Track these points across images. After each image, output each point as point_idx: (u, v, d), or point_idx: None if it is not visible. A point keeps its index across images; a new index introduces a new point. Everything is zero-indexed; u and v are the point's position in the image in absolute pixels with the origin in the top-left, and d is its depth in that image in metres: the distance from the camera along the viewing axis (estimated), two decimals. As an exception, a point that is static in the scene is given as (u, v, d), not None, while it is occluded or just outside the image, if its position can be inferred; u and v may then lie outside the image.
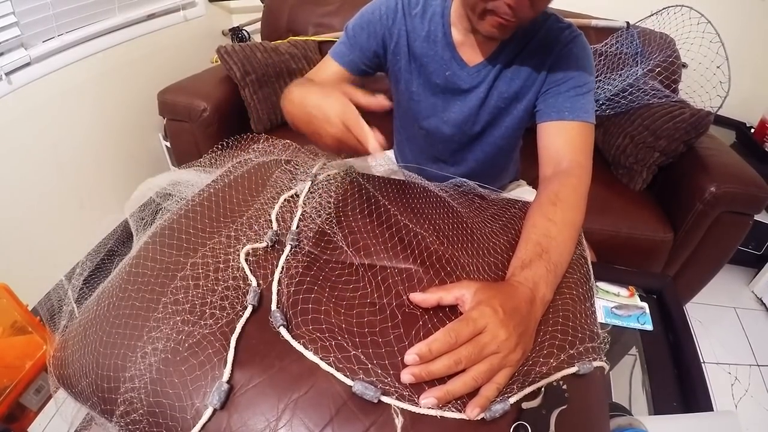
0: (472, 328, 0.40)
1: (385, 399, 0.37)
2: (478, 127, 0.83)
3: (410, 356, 0.39)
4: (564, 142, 0.69)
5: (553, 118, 0.70)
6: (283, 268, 0.49)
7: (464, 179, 0.69)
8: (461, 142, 0.86)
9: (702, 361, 1.40)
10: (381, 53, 0.80)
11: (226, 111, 1.49)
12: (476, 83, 0.78)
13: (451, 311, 0.45)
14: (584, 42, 0.73)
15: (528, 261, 0.50)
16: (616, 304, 0.84)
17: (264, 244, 0.53)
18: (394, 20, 0.77)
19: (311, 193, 0.62)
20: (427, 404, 0.37)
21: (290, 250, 0.52)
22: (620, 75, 1.47)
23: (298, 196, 0.62)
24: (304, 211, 0.58)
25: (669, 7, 1.50)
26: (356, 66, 0.81)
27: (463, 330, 0.40)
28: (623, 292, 0.87)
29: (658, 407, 0.69)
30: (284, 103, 0.67)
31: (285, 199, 0.60)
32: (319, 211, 0.57)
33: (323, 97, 0.55)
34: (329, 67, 0.82)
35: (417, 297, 0.45)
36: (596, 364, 0.45)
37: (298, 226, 0.55)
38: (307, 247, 0.52)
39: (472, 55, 0.76)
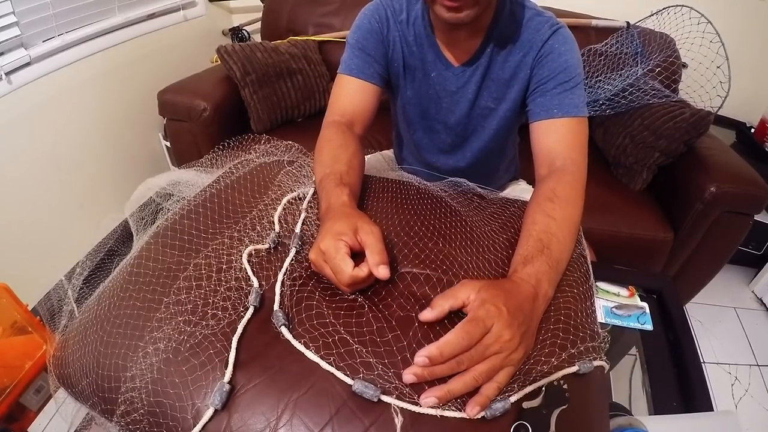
0: (481, 329, 0.39)
1: (384, 398, 0.38)
2: (470, 128, 0.83)
3: (420, 358, 0.38)
4: (555, 140, 0.68)
5: (542, 117, 0.70)
6: (286, 270, 0.49)
7: (463, 179, 0.69)
8: (454, 144, 0.87)
9: (702, 361, 1.40)
10: (386, 61, 0.79)
11: (226, 111, 1.49)
12: (463, 84, 0.77)
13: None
14: (566, 35, 0.72)
15: (529, 257, 0.50)
16: (616, 304, 0.84)
17: (266, 246, 0.53)
18: (388, 28, 0.77)
19: (314, 198, 0.62)
20: (427, 404, 0.37)
21: (294, 254, 0.52)
22: (620, 75, 1.47)
23: (301, 199, 0.62)
24: (308, 215, 0.58)
25: (669, 7, 1.50)
26: (377, 74, 0.77)
27: (475, 332, 0.39)
28: (623, 291, 0.87)
29: (658, 407, 0.69)
30: (315, 160, 0.66)
31: (288, 201, 0.61)
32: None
33: (332, 222, 0.49)
34: (349, 87, 0.76)
35: (428, 315, 0.43)
36: (596, 363, 0.45)
37: (301, 230, 0.56)
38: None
39: (456, 55, 0.76)
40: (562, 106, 0.69)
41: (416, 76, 0.79)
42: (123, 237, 0.71)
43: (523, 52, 0.73)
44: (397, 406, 0.37)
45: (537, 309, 0.45)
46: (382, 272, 0.45)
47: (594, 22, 1.57)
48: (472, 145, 0.86)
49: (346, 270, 0.44)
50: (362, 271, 0.44)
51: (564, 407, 0.39)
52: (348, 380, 0.38)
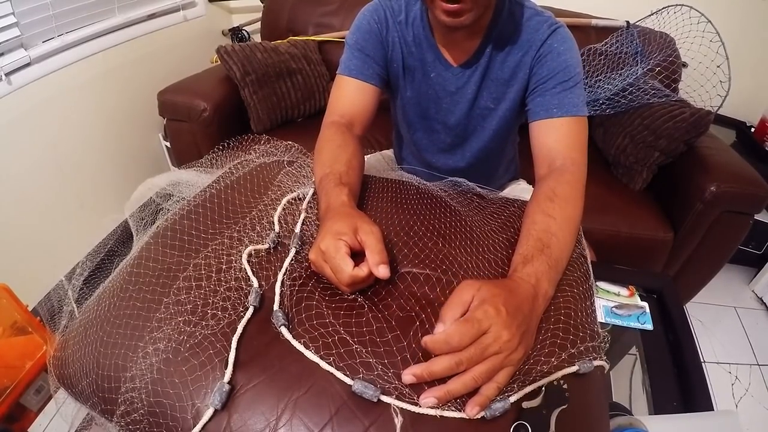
0: (476, 330, 0.39)
1: (384, 398, 0.38)
2: (470, 128, 0.83)
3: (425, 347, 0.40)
4: (555, 140, 0.68)
5: (542, 116, 0.70)
6: (286, 270, 0.49)
7: (462, 179, 0.69)
8: (454, 144, 0.87)
9: (702, 360, 1.40)
10: (385, 61, 0.78)
11: (226, 111, 1.49)
12: (462, 84, 0.77)
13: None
14: (565, 34, 0.72)
15: (529, 257, 0.50)
16: (617, 304, 0.84)
17: (266, 246, 0.53)
18: (387, 29, 0.77)
19: (314, 198, 0.62)
20: (427, 404, 0.37)
21: (294, 254, 0.52)
22: (620, 74, 1.47)
23: (300, 199, 0.62)
24: (307, 216, 0.58)
25: (669, 6, 1.50)
26: (376, 75, 0.77)
27: (467, 333, 0.39)
28: (623, 291, 0.87)
29: (658, 407, 0.69)
30: (314, 161, 0.66)
31: (288, 201, 0.61)
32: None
33: (332, 222, 0.49)
34: (348, 88, 0.76)
35: (428, 340, 0.40)
36: (596, 363, 0.45)
37: (300, 230, 0.56)
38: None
39: (455, 56, 0.76)
40: (561, 106, 0.69)
41: (416, 76, 0.79)
42: (123, 237, 0.71)
43: (522, 52, 0.73)
44: (397, 407, 0.37)
45: (537, 309, 0.45)
46: (382, 272, 0.45)
47: (594, 22, 1.57)
48: (472, 145, 0.86)
49: (346, 270, 0.44)
50: (362, 271, 0.44)
51: (564, 407, 0.39)
52: (348, 380, 0.38)
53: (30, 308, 0.63)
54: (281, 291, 0.47)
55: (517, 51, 0.73)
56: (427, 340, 0.40)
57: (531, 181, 1.07)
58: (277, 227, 0.56)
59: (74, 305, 0.57)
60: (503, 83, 0.76)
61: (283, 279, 0.48)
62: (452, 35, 0.73)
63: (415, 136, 0.89)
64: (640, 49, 1.47)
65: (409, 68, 0.79)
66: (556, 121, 0.69)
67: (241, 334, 0.42)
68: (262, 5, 1.85)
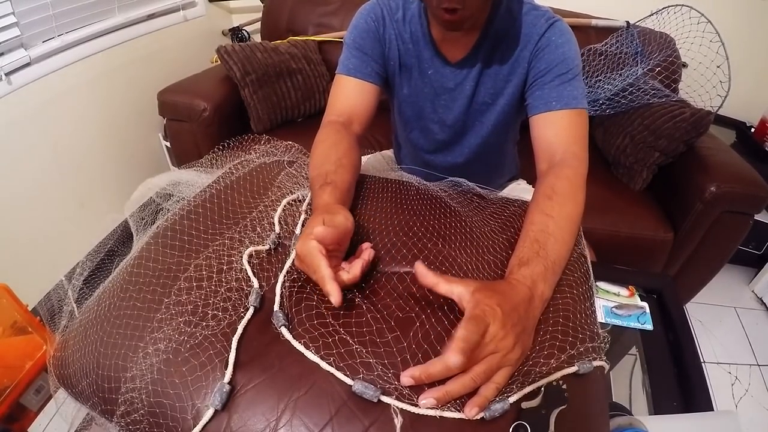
0: (484, 325, 0.39)
1: (384, 399, 0.38)
2: (468, 124, 0.83)
3: (450, 357, 0.38)
4: (554, 133, 0.68)
5: (541, 110, 0.69)
6: (287, 271, 0.49)
7: (462, 179, 0.69)
8: (451, 141, 0.86)
9: (702, 361, 1.40)
10: (383, 59, 0.79)
11: (226, 111, 1.49)
12: (461, 80, 0.77)
13: (450, 311, 0.45)
14: (562, 27, 0.72)
15: (526, 259, 0.49)
16: (616, 304, 0.84)
17: (267, 247, 0.53)
18: (384, 27, 0.77)
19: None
20: (426, 405, 0.37)
21: (295, 255, 0.52)
22: (620, 75, 1.47)
23: (300, 201, 0.62)
24: (307, 217, 0.58)
25: (669, 6, 1.50)
26: (375, 73, 0.77)
27: (479, 329, 0.38)
28: (623, 291, 0.87)
29: (658, 407, 0.69)
30: (309, 163, 0.66)
31: (288, 202, 0.61)
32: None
33: (313, 217, 0.50)
34: (347, 87, 0.76)
35: (422, 269, 0.45)
36: (596, 363, 0.45)
37: (301, 231, 0.56)
38: None
39: (452, 52, 0.76)
40: (560, 98, 0.68)
41: (412, 74, 0.79)
42: (123, 237, 0.71)
43: (520, 47, 0.72)
44: (397, 407, 0.37)
45: (533, 310, 0.45)
46: (335, 297, 0.42)
47: (594, 22, 1.57)
48: (470, 140, 0.85)
49: (323, 274, 0.43)
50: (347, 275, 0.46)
51: (563, 407, 0.39)
52: (348, 381, 0.39)
53: (30, 308, 0.63)
54: (281, 292, 0.47)
55: (515, 46, 0.73)
56: (450, 351, 0.37)
57: (532, 181, 1.07)
58: (277, 228, 0.56)
59: (74, 305, 0.57)
60: (501, 78, 0.76)
61: (283, 280, 0.48)
62: (450, 32, 0.74)
63: (412, 135, 0.89)
64: (640, 49, 1.48)
65: (406, 66, 0.79)
66: (556, 114, 0.68)
67: (241, 334, 0.42)
68: (262, 5, 1.85)
